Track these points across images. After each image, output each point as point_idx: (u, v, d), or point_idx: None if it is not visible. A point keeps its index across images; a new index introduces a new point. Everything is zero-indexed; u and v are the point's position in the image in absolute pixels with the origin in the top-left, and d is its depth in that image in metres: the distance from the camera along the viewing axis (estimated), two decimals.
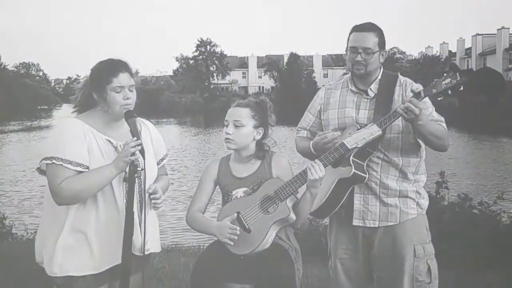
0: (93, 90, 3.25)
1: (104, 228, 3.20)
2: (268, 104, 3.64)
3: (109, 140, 3.27)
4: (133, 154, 3.09)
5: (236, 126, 3.52)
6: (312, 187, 3.38)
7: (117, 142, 3.29)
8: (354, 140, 3.43)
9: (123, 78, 3.20)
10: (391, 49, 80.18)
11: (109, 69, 3.22)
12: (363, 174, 3.63)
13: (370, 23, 3.70)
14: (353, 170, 3.56)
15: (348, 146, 3.43)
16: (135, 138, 3.13)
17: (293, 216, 3.40)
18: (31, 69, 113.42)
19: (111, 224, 3.20)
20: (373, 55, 3.64)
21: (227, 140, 3.53)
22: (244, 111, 3.54)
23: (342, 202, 3.67)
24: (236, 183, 3.57)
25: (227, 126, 3.54)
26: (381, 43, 3.68)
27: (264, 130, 3.60)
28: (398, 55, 78.79)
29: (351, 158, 3.56)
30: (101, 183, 3.12)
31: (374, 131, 3.43)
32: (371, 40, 3.64)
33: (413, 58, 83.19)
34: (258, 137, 3.58)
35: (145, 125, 3.52)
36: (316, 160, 3.42)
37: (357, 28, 3.69)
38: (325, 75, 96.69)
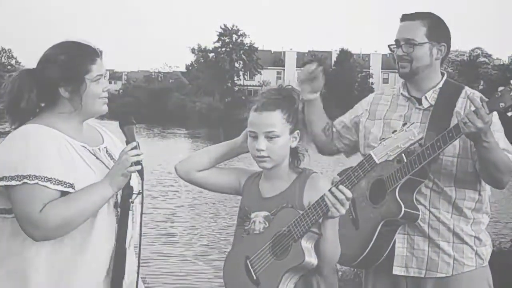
0: (64, 85, 3.17)
1: (93, 269, 3.13)
2: (296, 93, 3.47)
3: (84, 147, 3.22)
4: (133, 164, 3.05)
5: (270, 138, 3.33)
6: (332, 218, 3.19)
7: (93, 148, 3.27)
8: (384, 149, 3.22)
9: (101, 65, 3.24)
10: (473, 50, 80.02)
11: (85, 55, 3.22)
12: (415, 212, 3.65)
13: (420, 12, 3.83)
14: (404, 209, 3.57)
15: (376, 160, 3.25)
16: (134, 143, 3.10)
17: (311, 260, 3.20)
18: (0, 56, 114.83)
19: (101, 263, 3.15)
20: (416, 47, 3.73)
21: (260, 158, 3.36)
22: (276, 116, 3.33)
23: (390, 247, 3.70)
24: (259, 204, 3.46)
25: (254, 138, 3.37)
26: (433, 34, 3.77)
27: (300, 132, 3.46)
28: (482, 59, 78.43)
29: (396, 194, 3.57)
30: (95, 205, 3.06)
31: (412, 134, 3.17)
32: (415, 29, 3.76)
33: (502, 63, 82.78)
34: (295, 143, 3.43)
35: (106, 133, 3.50)
36: (334, 180, 3.35)
37: (402, 18, 3.85)
38: (385, 80, 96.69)
